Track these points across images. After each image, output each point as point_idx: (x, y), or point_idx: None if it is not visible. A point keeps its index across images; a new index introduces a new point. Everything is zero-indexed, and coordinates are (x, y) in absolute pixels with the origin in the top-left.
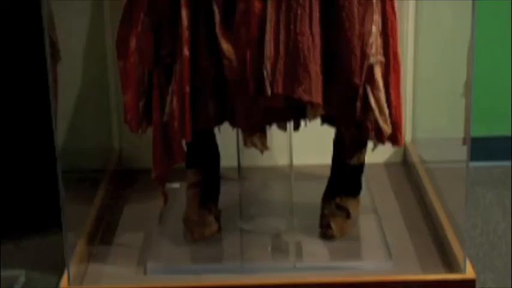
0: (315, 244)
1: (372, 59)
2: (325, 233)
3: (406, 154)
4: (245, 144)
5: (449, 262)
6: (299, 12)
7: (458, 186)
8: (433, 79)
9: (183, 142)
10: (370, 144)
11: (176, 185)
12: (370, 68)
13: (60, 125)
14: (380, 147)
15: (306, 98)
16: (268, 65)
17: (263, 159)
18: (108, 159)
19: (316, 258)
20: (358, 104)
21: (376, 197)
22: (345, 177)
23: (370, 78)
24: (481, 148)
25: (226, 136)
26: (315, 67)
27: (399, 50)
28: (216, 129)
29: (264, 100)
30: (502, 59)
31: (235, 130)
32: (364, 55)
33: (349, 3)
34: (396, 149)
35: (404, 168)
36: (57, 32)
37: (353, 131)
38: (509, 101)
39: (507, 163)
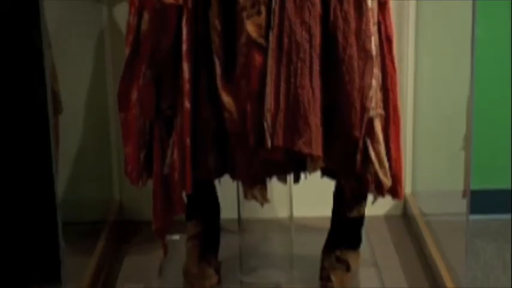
0: None
1: (372, 112)
2: (325, 286)
3: (406, 207)
4: (245, 196)
5: None
6: (299, 65)
7: (458, 238)
8: (433, 132)
9: (184, 194)
10: (370, 197)
11: (176, 237)
12: (370, 121)
13: (61, 176)
14: (380, 199)
15: (306, 150)
16: (268, 118)
17: (263, 211)
18: (109, 211)
19: None
20: (358, 157)
21: (376, 249)
22: (345, 230)
23: (370, 131)
24: (481, 201)
25: (227, 188)
26: (315, 120)
27: (399, 103)
28: (216, 181)
29: (264, 152)
30: (502, 112)
31: (235, 182)
32: (364, 108)
33: (349, 57)
34: (396, 202)
35: (404, 221)
36: (59, 83)
37: (353, 183)
38: (509, 154)
39: (507, 216)
